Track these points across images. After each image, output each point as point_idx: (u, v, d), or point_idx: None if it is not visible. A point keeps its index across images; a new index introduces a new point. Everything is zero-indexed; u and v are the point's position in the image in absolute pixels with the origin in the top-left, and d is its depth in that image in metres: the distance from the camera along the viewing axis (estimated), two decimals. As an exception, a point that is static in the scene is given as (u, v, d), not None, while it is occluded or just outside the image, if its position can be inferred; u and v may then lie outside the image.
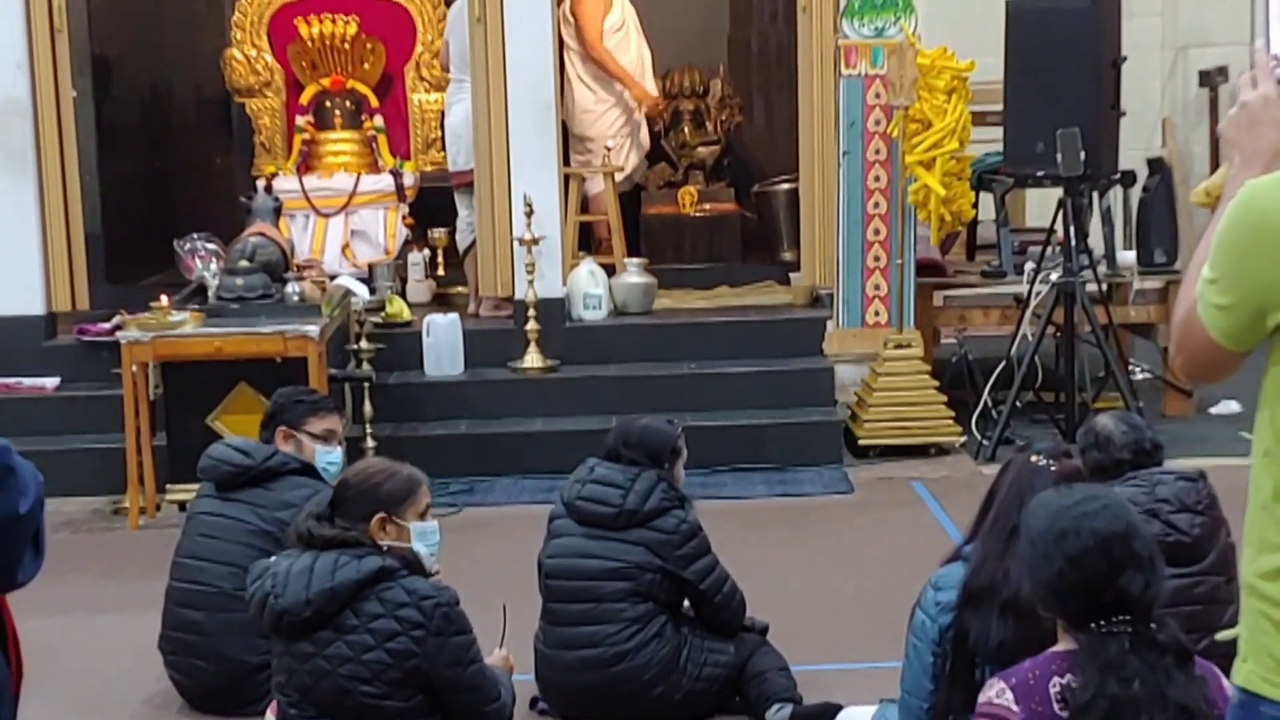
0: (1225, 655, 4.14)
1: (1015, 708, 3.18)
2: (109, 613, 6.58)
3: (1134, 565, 3.20)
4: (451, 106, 9.37)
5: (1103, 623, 3.19)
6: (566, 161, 9.48)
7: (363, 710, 4.09)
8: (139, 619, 5.75)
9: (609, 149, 9.78)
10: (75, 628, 6.37)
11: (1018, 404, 8.56)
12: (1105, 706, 3.12)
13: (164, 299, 7.90)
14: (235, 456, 5.21)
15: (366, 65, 10.30)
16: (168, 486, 7.81)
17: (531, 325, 8.65)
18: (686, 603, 5.06)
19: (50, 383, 8.68)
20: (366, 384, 8.13)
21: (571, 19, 9.80)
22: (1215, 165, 12.52)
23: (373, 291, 9.09)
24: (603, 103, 9.92)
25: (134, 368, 7.65)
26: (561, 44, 9.54)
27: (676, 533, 4.89)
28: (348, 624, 4.07)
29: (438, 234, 9.99)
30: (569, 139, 9.88)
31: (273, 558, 4.36)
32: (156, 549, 6.33)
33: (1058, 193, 8.54)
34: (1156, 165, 9.76)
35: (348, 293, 8.49)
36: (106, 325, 8.58)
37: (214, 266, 8.37)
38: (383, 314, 8.98)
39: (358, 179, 9.92)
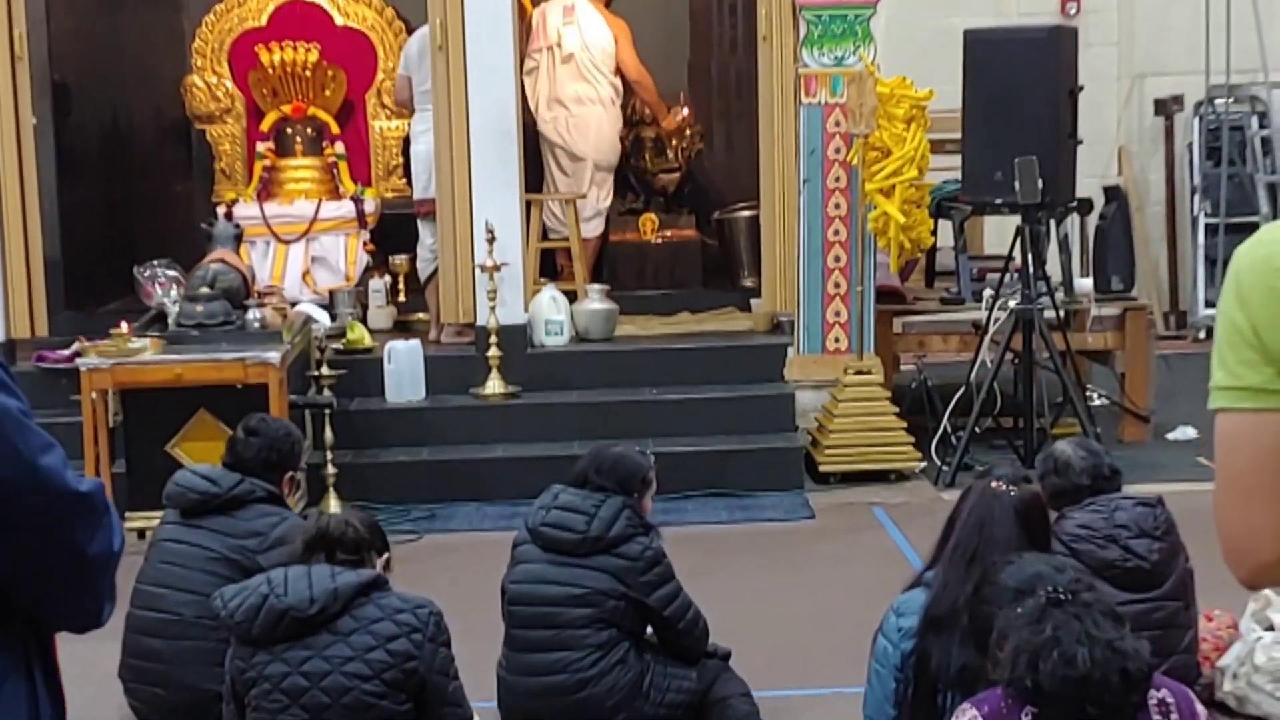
0: (1184, 679, 4.18)
1: None
2: (67, 640, 6.51)
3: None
4: (418, 136, 9.39)
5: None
6: (529, 188, 9.49)
7: (359, 709, 4.13)
8: (98, 647, 5.67)
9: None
10: (35, 656, 6.32)
11: (977, 430, 8.60)
12: (1026, 659, 3.09)
13: (124, 326, 7.88)
14: (201, 484, 5.20)
15: (328, 92, 10.31)
16: (127, 514, 7.75)
17: (493, 352, 8.66)
18: (650, 629, 5.06)
19: (9, 410, 8.62)
20: (327, 410, 8.12)
21: (614, 43, 10.00)
22: (1170, 192, 12.65)
23: (334, 318, 9.09)
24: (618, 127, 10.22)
25: (94, 395, 7.62)
26: (523, 69, 9.63)
27: (640, 559, 4.89)
28: (347, 627, 4.14)
29: (399, 260, 10.00)
30: (553, 165, 9.98)
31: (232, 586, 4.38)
32: (116, 576, 6.29)
33: (1016, 220, 8.59)
34: (1113, 193, 9.84)
35: (309, 319, 8.48)
36: (66, 352, 8.54)
37: (174, 293, 8.36)
38: (344, 340, 8.98)
39: (318, 205, 9.93)
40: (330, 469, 8.06)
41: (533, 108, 9.96)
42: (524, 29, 9.68)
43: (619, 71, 10.15)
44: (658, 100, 10.50)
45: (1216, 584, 5.06)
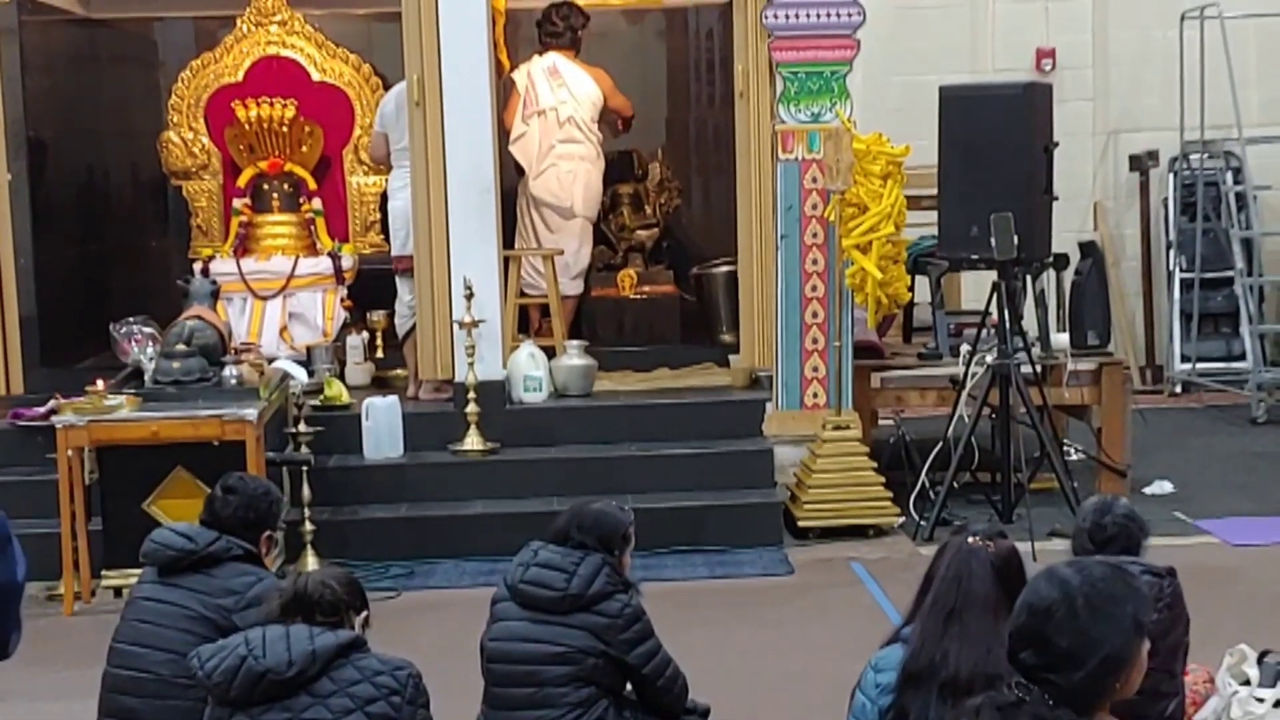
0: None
1: None
2: (44, 700, 6.50)
3: (1034, 640, 3.09)
4: (395, 192, 9.42)
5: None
6: (508, 244, 9.52)
7: None
8: (75, 706, 5.68)
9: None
10: (9, 716, 6.28)
11: (955, 484, 8.61)
12: None
13: (100, 383, 7.86)
14: (179, 541, 5.17)
15: (305, 148, 10.32)
16: (103, 572, 7.74)
17: (471, 408, 8.65)
18: (629, 686, 5.04)
19: (-16, 467, 8.60)
20: (305, 467, 8.09)
21: (600, 97, 10.17)
22: (1146, 247, 12.72)
23: (311, 374, 9.07)
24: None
25: (69, 452, 7.59)
26: (510, 136, 9.70)
27: (620, 617, 4.87)
28: (326, 689, 4.09)
29: (376, 316, 9.99)
30: (539, 223, 10.05)
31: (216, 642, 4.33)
32: (92, 635, 6.27)
33: (992, 276, 8.63)
34: (1089, 248, 9.88)
35: (286, 376, 8.47)
36: (42, 409, 8.51)
37: (150, 350, 8.33)
38: (321, 397, 8.96)
39: (296, 261, 9.93)
40: (308, 526, 8.04)
41: (526, 169, 10.03)
42: (500, 87, 9.73)
43: (600, 123, 10.26)
44: (630, 119, 10.64)
45: (1193, 639, 5.06)
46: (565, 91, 10.12)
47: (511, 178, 10.04)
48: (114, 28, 11.23)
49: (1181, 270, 12.34)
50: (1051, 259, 9.20)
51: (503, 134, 9.64)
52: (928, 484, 8.68)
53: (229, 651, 4.17)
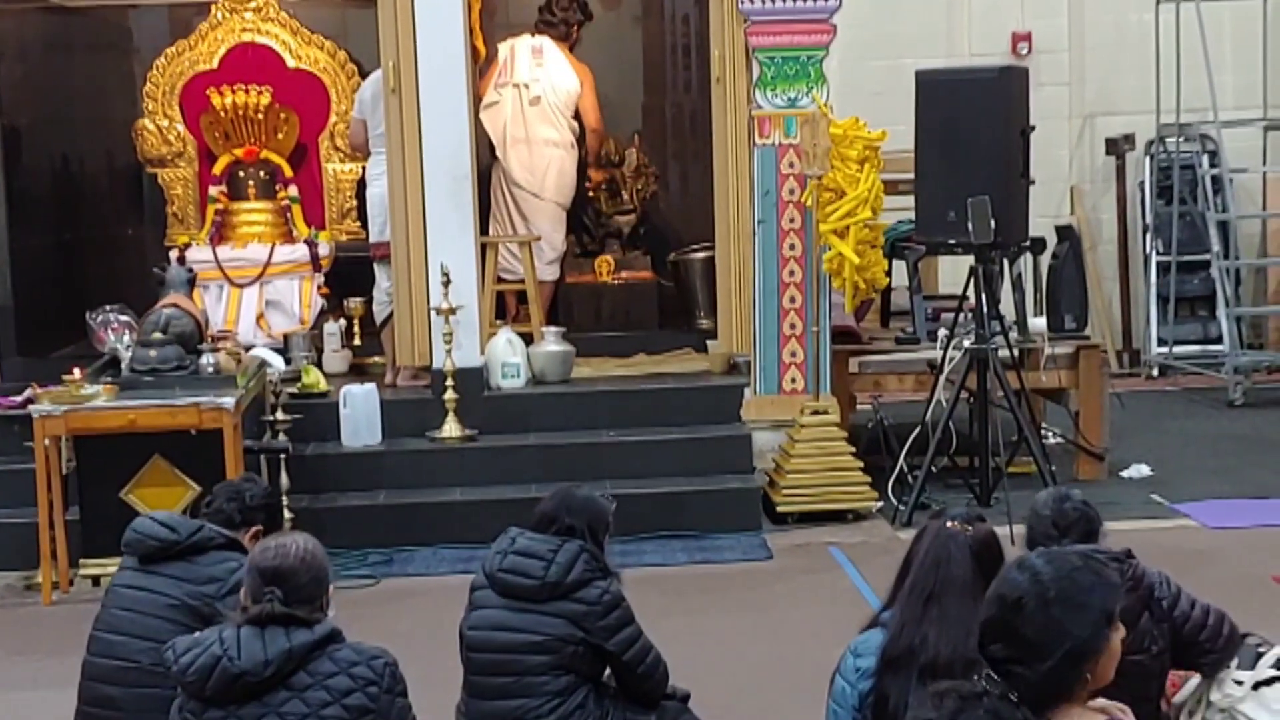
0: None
1: None
2: (23, 689, 6.49)
3: (1003, 632, 3.14)
4: (374, 179, 9.40)
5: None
6: (484, 231, 9.51)
7: None
8: (54, 695, 5.67)
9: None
10: (-13, 706, 6.27)
11: (933, 469, 8.63)
12: None
13: (76, 371, 7.83)
14: (161, 531, 5.15)
15: (280, 135, 10.30)
16: (81, 561, 7.72)
17: (449, 395, 8.64)
18: (609, 671, 5.03)
19: (-40, 457, 8.56)
20: (283, 455, 8.08)
21: (577, 91, 10.31)
22: (1122, 231, 12.74)
23: (288, 362, 9.04)
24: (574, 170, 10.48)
25: (46, 441, 7.57)
26: (480, 102, 9.70)
27: (599, 604, 4.86)
28: (302, 683, 4.07)
29: (354, 304, 9.97)
30: (512, 207, 10.07)
31: (192, 634, 4.31)
32: (70, 624, 6.26)
33: (969, 260, 8.64)
34: (1066, 232, 9.90)
35: (263, 363, 8.45)
36: (18, 398, 8.49)
37: (127, 338, 8.31)
38: (299, 384, 8.94)
39: (272, 249, 9.91)
40: (286, 514, 8.01)
41: (495, 142, 10.04)
42: (478, 67, 9.73)
43: (577, 115, 10.29)
44: (599, 150, 10.78)
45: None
46: (542, 72, 10.15)
47: (487, 158, 10.04)
48: (88, 15, 11.16)
49: (1158, 254, 12.36)
50: (1028, 243, 9.22)
51: (476, 103, 9.61)
52: (906, 468, 8.70)
53: (203, 649, 4.13)
